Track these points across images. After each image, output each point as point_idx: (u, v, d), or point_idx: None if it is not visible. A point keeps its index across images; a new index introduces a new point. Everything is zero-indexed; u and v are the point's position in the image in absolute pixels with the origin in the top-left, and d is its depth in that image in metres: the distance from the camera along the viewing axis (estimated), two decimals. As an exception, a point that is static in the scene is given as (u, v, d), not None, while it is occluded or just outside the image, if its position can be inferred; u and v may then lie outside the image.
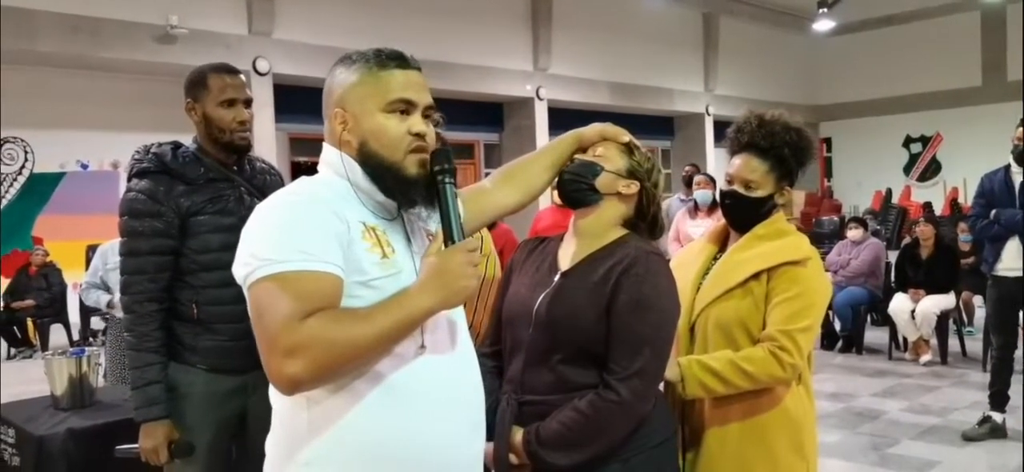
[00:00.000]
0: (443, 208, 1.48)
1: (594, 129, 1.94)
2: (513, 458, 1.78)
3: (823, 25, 17.86)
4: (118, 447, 2.47)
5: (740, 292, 2.03)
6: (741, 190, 2.12)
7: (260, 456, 1.55)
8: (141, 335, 2.30)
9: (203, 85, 2.38)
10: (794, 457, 2.05)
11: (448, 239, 1.45)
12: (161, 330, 2.32)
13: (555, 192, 2.10)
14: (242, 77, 2.45)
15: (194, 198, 2.32)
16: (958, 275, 7.31)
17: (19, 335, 9.00)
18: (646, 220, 1.92)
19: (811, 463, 2.09)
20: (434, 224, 1.52)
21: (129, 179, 2.39)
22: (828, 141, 22.12)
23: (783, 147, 2.09)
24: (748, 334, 2.02)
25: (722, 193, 2.19)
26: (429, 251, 1.45)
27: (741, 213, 2.14)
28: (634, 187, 1.88)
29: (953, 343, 7.20)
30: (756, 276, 2.03)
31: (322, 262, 1.35)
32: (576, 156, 1.92)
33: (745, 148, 2.13)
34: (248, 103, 2.43)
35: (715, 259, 2.19)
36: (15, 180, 10.64)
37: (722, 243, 2.23)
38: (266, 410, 1.56)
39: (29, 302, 8.96)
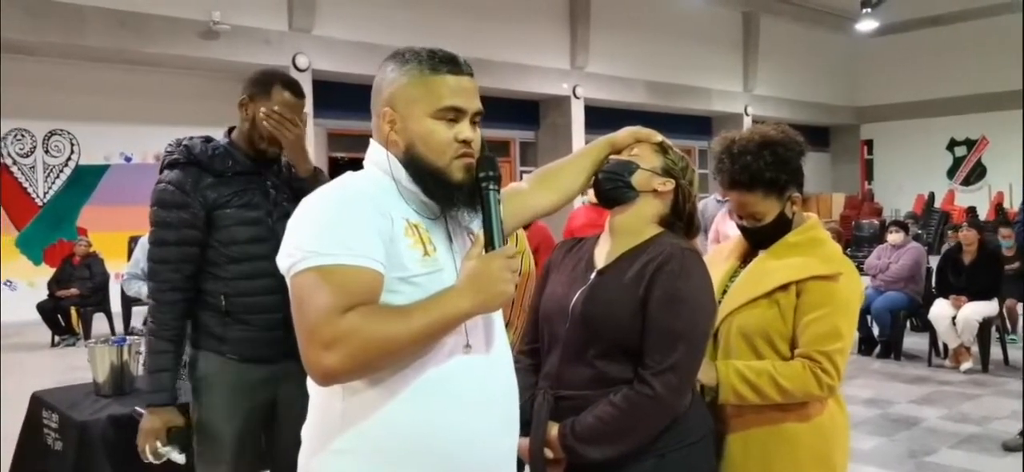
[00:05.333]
0: (486, 214, 1.49)
1: (626, 132, 1.95)
2: (549, 452, 1.79)
3: (866, 25, 17.58)
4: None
5: (766, 302, 1.99)
6: (750, 224, 2.08)
7: (289, 445, 1.58)
8: (160, 323, 2.36)
9: (266, 92, 2.40)
10: (820, 470, 2.01)
11: (489, 244, 1.46)
12: (180, 321, 2.37)
13: (590, 191, 2.11)
14: (304, 100, 2.46)
15: (221, 190, 2.36)
16: (1001, 282, 7.16)
17: (63, 323, 9.20)
18: (682, 218, 1.92)
19: None
20: (477, 225, 1.54)
21: (161, 171, 2.44)
22: (870, 143, 21.78)
23: (764, 172, 2.00)
24: (771, 344, 1.98)
25: (738, 225, 2.14)
26: (470, 254, 1.46)
27: (761, 239, 2.09)
28: (670, 185, 1.88)
29: (995, 351, 7.06)
30: (784, 287, 1.98)
31: (364, 257, 1.37)
32: (611, 157, 1.93)
33: (731, 186, 2.06)
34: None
35: (743, 265, 2.14)
36: (61, 172, 10.90)
37: (746, 255, 2.17)
38: (296, 399, 1.58)
39: (73, 291, 9.15)
